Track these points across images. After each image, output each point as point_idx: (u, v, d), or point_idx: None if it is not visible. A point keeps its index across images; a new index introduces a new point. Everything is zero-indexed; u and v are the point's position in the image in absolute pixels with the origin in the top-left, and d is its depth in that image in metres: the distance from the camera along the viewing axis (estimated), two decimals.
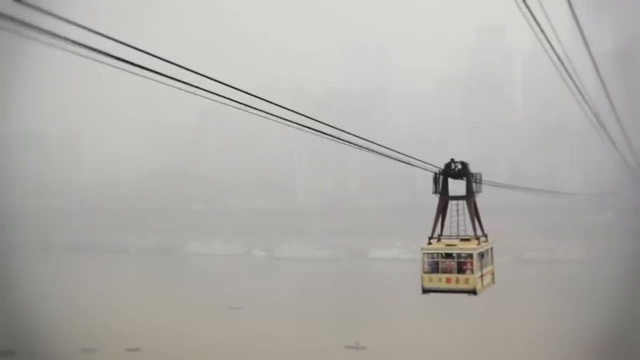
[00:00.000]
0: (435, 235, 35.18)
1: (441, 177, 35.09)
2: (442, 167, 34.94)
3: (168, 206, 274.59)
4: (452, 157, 35.08)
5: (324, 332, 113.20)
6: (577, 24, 35.02)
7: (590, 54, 45.24)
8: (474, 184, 35.28)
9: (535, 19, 27.98)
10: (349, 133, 29.74)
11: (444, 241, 34.54)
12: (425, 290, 32.96)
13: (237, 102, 21.20)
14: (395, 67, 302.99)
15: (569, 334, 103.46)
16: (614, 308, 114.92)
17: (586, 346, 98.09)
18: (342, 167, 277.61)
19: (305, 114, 24.93)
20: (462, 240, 34.16)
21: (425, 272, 32.96)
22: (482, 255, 33.91)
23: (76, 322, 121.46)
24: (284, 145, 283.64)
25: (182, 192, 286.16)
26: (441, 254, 33.14)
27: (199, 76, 18.52)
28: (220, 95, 20.14)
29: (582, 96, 48.10)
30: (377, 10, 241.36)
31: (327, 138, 28.43)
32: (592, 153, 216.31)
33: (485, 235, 35.53)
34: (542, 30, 30.04)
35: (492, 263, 36.58)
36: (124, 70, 15.76)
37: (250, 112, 22.16)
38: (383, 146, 31.42)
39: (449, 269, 32.66)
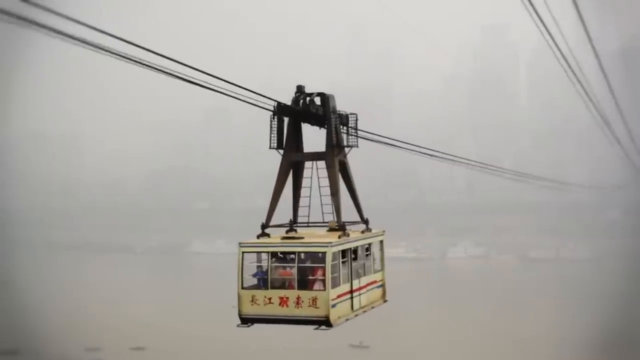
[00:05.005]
0: (282, 222, 22.35)
1: (285, 120, 21.77)
2: (286, 102, 21.40)
3: (172, 205, 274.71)
4: (300, 84, 21.64)
5: (328, 331, 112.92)
6: (582, 22, 34.84)
7: (595, 52, 45.05)
8: (342, 133, 22.07)
9: (540, 17, 27.84)
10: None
11: (304, 232, 22.13)
12: (245, 320, 20.15)
13: (240, 99, 20.99)
14: (400, 66, 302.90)
15: (573, 333, 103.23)
16: (619, 307, 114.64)
17: (590, 346, 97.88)
18: None
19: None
20: (331, 230, 21.20)
21: (244, 288, 20.06)
22: (352, 255, 21.04)
23: (80, 321, 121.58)
24: None
25: (186, 191, 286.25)
26: (272, 254, 20.12)
27: (202, 74, 18.31)
28: (225, 94, 19.94)
29: (587, 94, 47.90)
30: (382, 9, 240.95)
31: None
32: (597, 151, 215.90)
33: (366, 222, 23.27)
34: (546, 29, 29.87)
35: (382, 269, 23.61)
36: (128, 61, 15.63)
37: (253, 105, 19.53)
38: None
39: (286, 281, 19.88)
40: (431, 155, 29.21)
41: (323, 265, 19.30)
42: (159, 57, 16.17)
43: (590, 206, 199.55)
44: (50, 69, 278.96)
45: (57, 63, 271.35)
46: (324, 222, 21.73)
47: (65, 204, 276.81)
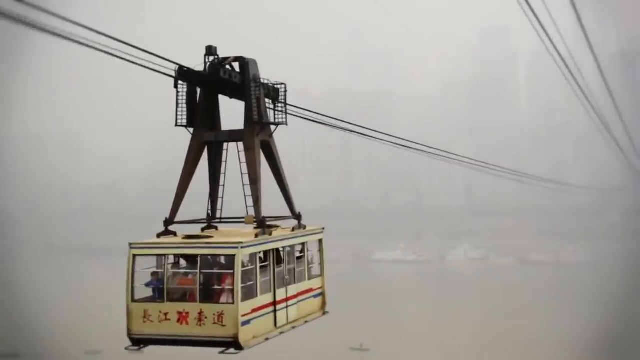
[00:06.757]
0: (198, 217, 18.21)
1: (197, 90, 18.09)
2: (196, 67, 17.33)
3: (169, 207, 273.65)
4: (211, 45, 17.65)
5: (328, 334, 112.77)
6: (581, 25, 34.87)
7: (594, 55, 45.07)
8: (266, 107, 18.34)
9: (538, 21, 27.84)
10: (351, 124, 21.81)
11: (226, 229, 18.75)
12: (136, 341, 16.79)
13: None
14: (399, 69, 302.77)
15: (572, 336, 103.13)
16: (619, 310, 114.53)
17: (590, 348, 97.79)
18: (346, 168, 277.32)
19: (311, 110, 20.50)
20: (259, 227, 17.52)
21: (135, 300, 16.63)
22: (276, 258, 17.44)
23: (80, 324, 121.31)
24: (287, 147, 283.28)
25: (185, 193, 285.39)
26: (167, 258, 16.54)
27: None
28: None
29: (586, 97, 47.91)
30: (381, 11, 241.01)
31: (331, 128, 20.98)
32: (596, 154, 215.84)
33: (298, 218, 20.14)
34: (545, 32, 29.87)
35: (321, 274, 20.05)
36: (127, 61, 15.31)
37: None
38: None
39: (187, 291, 16.22)
40: (392, 142, 26.48)
41: (232, 271, 15.47)
42: (156, 58, 16.07)
43: (590, 209, 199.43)
44: (49, 71, 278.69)
45: (56, 65, 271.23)
46: (245, 217, 18.10)
47: (64, 206, 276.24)
